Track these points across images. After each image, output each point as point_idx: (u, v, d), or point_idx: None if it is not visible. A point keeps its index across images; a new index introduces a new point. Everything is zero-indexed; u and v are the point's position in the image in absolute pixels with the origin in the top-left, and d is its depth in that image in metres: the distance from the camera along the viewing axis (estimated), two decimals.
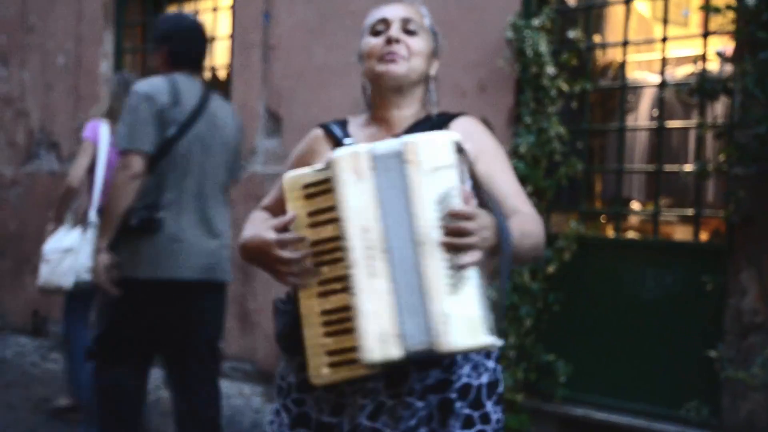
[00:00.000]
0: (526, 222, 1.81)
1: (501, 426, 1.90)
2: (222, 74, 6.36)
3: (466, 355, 1.82)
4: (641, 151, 4.99)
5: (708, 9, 3.80)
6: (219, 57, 6.23)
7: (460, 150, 1.68)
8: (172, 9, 6.57)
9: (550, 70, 4.21)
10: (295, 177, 1.77)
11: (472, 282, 1.61)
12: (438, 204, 1.62)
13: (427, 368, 1.79)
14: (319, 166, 1.74)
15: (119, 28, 6.70)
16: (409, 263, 1.63)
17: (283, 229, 1.74)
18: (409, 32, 1.95)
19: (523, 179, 4.24)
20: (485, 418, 1.86)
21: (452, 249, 1.60)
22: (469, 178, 1.74)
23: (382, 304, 1.64)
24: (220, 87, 6.28)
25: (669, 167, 4.35)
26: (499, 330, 1.66)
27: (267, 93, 5.59)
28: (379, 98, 1.97)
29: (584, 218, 4.41)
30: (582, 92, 4.33)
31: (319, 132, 2.01)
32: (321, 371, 1.72)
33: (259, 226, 1.83)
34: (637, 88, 4.91)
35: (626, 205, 4.91)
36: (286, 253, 1.72)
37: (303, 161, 1.94)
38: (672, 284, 4.07)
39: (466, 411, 1.83)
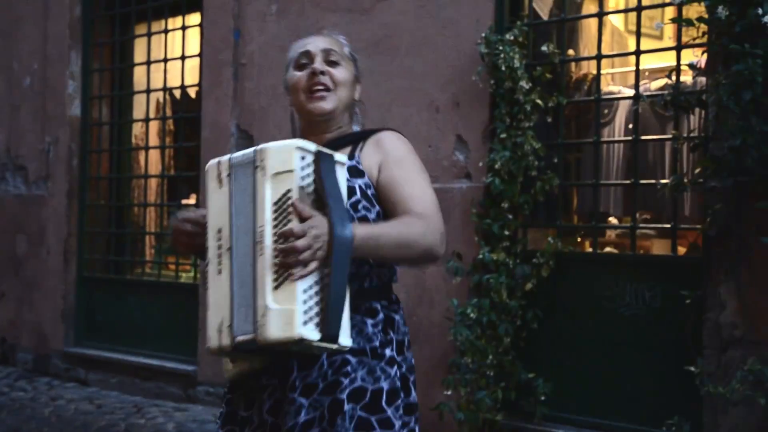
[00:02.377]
0: (399, 222, 1.92)
1: None
2: (192, 93, 6.28)
3: (360, 359, 1.93)
4: (617, 165, 4.98)
5: (681, 21, 3.79)
6: (189, 76, 6.14)
7: (318, 155, 1.81)
8: (139, 29, 6.49)
9: (524, 84, 4.18)
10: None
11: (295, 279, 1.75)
12: (275, 206, 1.77)
13: (308, 367, 1.91)
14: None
15: (86, 48, 6.61)
16: (247, 260, 1.79)
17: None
18: (332, 63, 2.09)
19: (499, 195, 4.20)
20: (386, 423, 1.92)
21: (285, 266, 1.73)
22: (331, 182, 1.83)
23: (223, 298, 1.81)
24: (190, 106, 6.20)
25: (645, 181, 4.33)
26: (332, 329, 1.75)
27: (238, 111, 5.51)
28: (308, 126, 2.12)
29: (561, 234, 4.36)
30: (557, 106, 4.29)
31: None
32: (227, 366, 1.96)
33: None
34: (611, 102, 4.90)
35: (603, 220, 4.88)
36: (186, 226, 1.97)
37: None
38: (650, 299, 4.03)
39: (362, 414, 1.90)
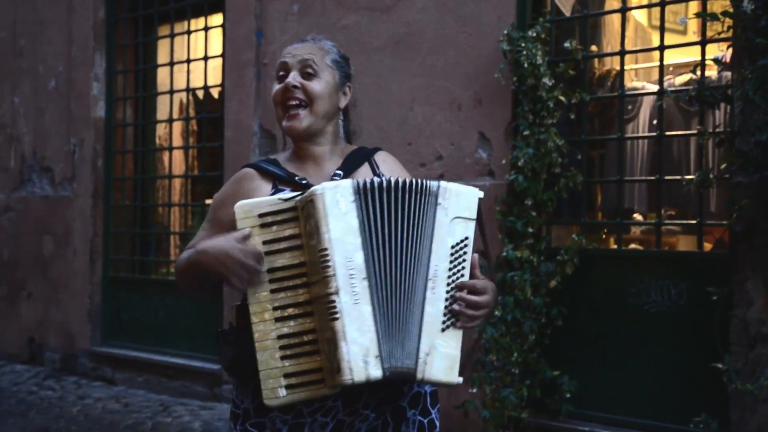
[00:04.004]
0: None
1: None
2: (215, 93, 6.31)
3: None
4: (642, 161, 4.94)
5: (705, 16, 3.76)
6: (212, 77, 6.17)
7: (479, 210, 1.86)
8: (162, 30, 6.53)
9: (547, 81, 4.16)
10: (248, 206, 1.87)
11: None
12: (452, 249, 1.81)
13: (379, 387, 1.91)
14: (284, 196, 1.87)
15: (110, 50, 6.66)
16: (410, 294, 1.79)
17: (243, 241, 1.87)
18: (308, 75, 2.03)
19: (523, 192, 4.18)
20: (432, 425, 2.02)
21: (457, 314, 1.82)
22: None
23: (364, 329, 1.77)
24: (213, 107, 6.23)
25: (670, 177, 4.29)
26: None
27: (261, 111, 5.53)
28: (294, 141, 2.09)
29: (586, 231, 4.34)
30: (580, 103, 4.27)
31: (249, 171, 2.08)
32: (277, 393, 1.83)
33: (222, 238, 1.89)
34: (635, 97, 4.87)
35: (628, 217, 4.85)
36: (250, 261, 1.82)
37: (237, 199, 1.97)
38: (676, 296, 4.00)
39: (419, 418, 1.98)
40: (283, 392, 1.83)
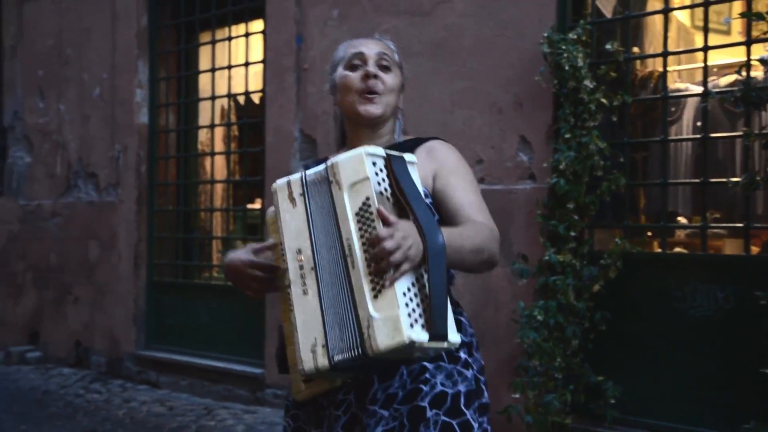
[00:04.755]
0: (469, 227, 1.93)
1: None
2: (256, 99, 6.36)
3: (438, 363, 1.91)
4: (686, 163, 4.88)
5: (750, 16, 3.70)
6: (252, 82, 6.23)
7: (389, 159, 1.80)
8: (204, 37, 6.60)
9: (588, 83, 4.12)
10: (272, 211, 1.95)
11: (394, 284, 1.70)
12: (357, 216, 1.75)
13: (389, 378, 1.90)
14: None
15: (153, 58, 6.75)
16: (337, 277, 1.77)
17: (261, 252, 1.98)
18: (384, 68, 2.12)
19: (565, 195, 4.15)
20: (466, 426, 1.89)
21: (379, 272, 1.70)
22: (414, 180, 1.83)
23: (312, 318, 1.78)
24: (254, 112, 6.28)
25: (715, 179, 4.23)
26: (440, 328, 1.70)
27: (302, 116, 5.56)
28: (353, 131, 2.15)
29: (629, 234, 4.29)
30: (622, 105, 4.23)
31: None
32: (300, 387, 1.92)
33: (240, 250, 2.03)
34: (679, 99, 4.80)
35: (672, 220, 4.79)
36: (255, 273, 1.95)
37: None
38: (723, 300, 3.94)
39: (445, 419, 1.87)
40: (302, 386, 1.92)
